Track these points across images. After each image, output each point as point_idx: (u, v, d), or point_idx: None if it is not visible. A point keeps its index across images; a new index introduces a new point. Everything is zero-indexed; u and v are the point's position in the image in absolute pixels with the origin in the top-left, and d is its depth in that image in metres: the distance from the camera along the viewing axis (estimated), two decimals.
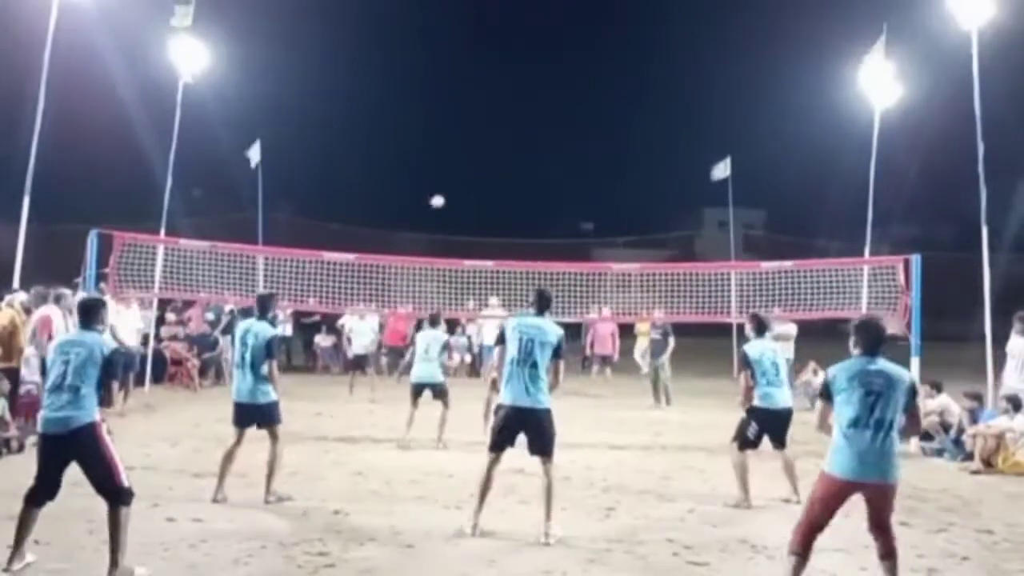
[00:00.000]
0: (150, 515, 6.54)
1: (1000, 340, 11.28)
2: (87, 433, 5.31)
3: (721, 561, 6.09)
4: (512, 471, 8.82)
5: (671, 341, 14.91)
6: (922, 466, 10.11)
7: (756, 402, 7.79)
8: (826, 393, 5.15)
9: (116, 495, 5.27)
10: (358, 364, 15.74)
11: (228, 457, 7.44)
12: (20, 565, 5.32)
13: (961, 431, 10.54)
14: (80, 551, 5.78)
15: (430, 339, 10.75)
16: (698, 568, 5.96)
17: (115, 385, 5.65)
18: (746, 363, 7.86)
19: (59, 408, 5.34)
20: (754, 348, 7.94)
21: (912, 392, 5.07)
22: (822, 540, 6.24)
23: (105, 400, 5.49)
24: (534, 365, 6.48)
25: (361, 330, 15.89)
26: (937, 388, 11.51)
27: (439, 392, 10.60)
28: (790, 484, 7.72)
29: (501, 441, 6.63)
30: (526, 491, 8.00)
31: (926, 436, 11.05)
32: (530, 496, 7.85)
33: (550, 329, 6.62)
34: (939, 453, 10.67)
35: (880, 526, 5.08)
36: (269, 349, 7.51)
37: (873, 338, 5.14)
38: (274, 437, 7.49)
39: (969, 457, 9.98)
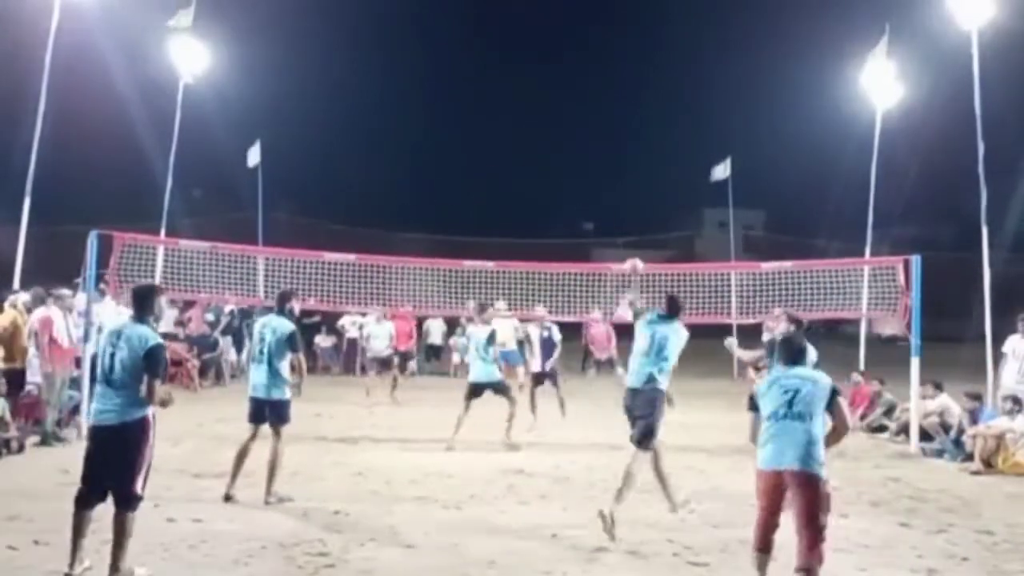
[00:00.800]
0: (150, 515, 6.51)
1: (1000, 340, 11.29)
2: (137, 427, 5.30)
3: (721, 561, 6.10)
4: (512, 471, 8.88)
5: None
6: (922, 466, 10.12)
7: None
8: (754, 405, 5.29)
9: (126, 499, 5.26)
10: (385, 365, 15.40)
11: (242, 454, 7.48)
12: (79, 569, 5.27)
13: (961, 431, 10.53)
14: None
15: (477, 338, 10.83)
16: (698, 568, 5.98)
17: (157, 383, 5.30)
18: None
19: (111, 402, 5.32)
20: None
21: (834, 392, 5.13)
22: None
23: (147, 397, 5.28)
24: (659, 354, 7.17)
25: (378, 333, 15.75)
26: (938, 388, 11.51)
27: (500, 390, 10.65)
28: None
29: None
30: (526, 491, 8.03)
31: (926, 436, 11.07)
32: (530, 496, 7.89)
33: (672, 331, 7.32)
34: (939, 454, 10.67)
35: (803, 521, 4.90)
36: (292, 342, 7.59)
37: (793, 352, 5.39)
38: (277, 436, 7.51)
39: (969, 457, 9.97)
